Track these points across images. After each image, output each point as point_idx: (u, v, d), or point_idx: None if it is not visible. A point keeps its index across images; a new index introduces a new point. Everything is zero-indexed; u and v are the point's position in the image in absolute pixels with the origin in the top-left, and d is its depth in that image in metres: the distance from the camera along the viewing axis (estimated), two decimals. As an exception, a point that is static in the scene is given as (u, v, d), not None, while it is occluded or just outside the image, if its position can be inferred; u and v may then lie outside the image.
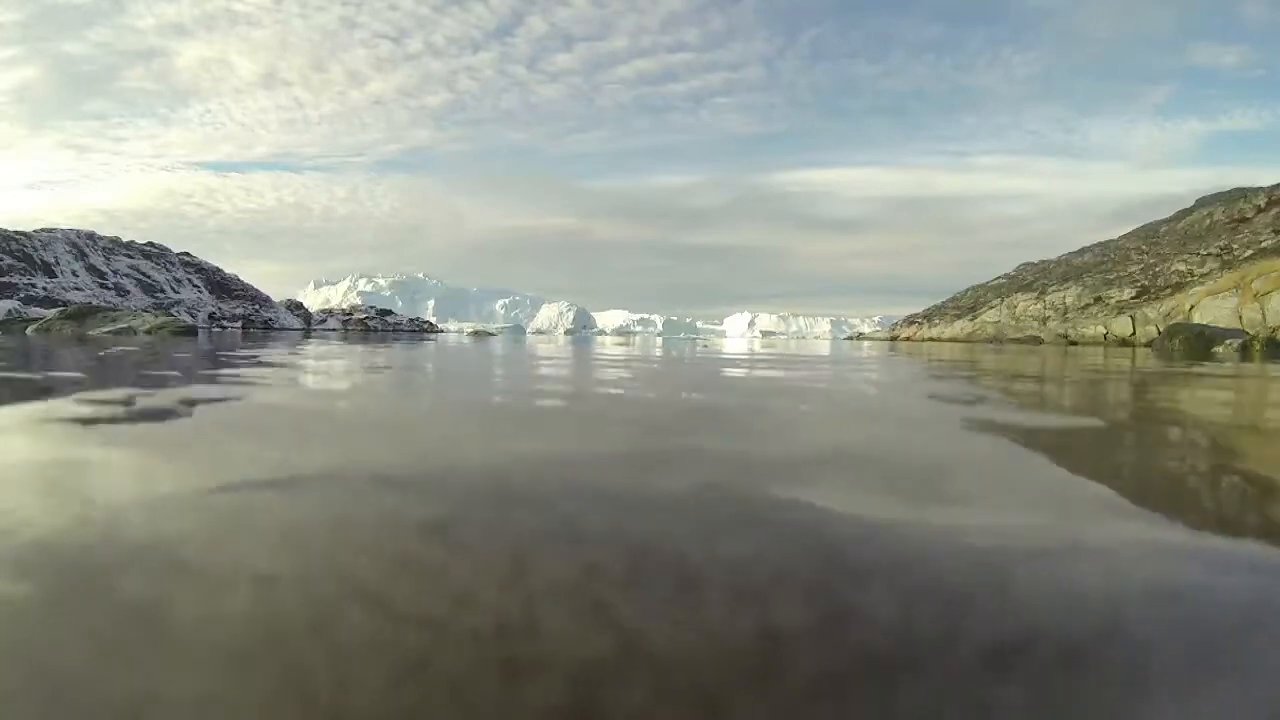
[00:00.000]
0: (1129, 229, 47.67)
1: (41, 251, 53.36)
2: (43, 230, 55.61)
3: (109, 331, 22.20)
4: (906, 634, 0.68)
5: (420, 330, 70.24)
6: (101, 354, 6.87)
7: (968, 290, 53.50)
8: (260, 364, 5.36)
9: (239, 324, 56.52)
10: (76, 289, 52.13)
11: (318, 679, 0.60)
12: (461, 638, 0.67)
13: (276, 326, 58.42)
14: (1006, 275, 52.01)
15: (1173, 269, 34.18)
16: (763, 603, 0.75)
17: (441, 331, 79.83)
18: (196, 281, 61.92)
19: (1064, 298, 38.27)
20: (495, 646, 0.65)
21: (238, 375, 4.20)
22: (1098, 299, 35.73)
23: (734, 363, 7.18)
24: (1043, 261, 50.98)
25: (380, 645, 0.66)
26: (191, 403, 2.59)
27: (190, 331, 23.80)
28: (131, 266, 58.05)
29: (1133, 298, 33.51)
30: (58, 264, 53.80)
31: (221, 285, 63.65)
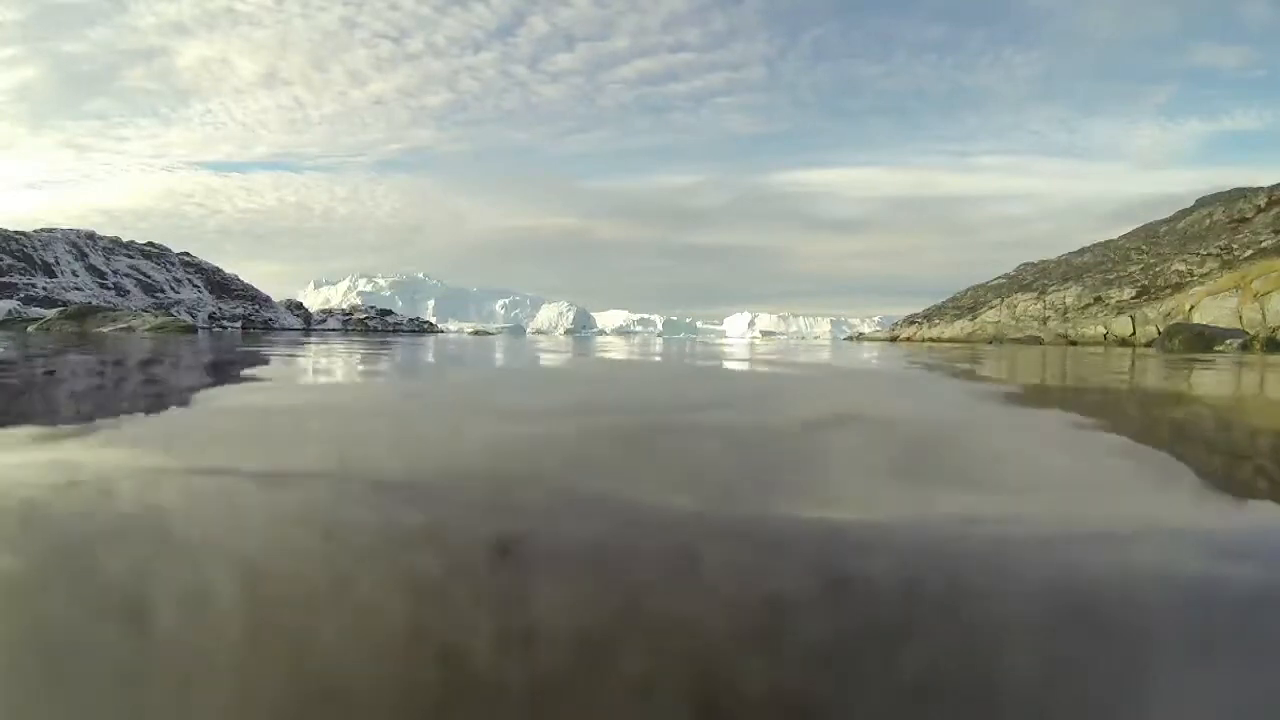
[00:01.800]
0: (1130, 229, 47.69)
1: (41, 251, 53.36)
2: (43, 230, 55.61)
3: (111, 330, 22.22)
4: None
5: (420, 330, 70.25)
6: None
7: (968, 290, 53.47)
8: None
9: (239, 324, 56.51)
10: (76, 289, 52.12)
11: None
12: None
13: (276, 326, 58.42)
14: (1006, 275, 51.98)
15: (1173, 269, 34.19)
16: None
17: (441, 331, 79.81)
18: (196, 281, 61.92)
19: (1064, 298, 38.28)
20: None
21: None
22: (1098, 299, 35.74)
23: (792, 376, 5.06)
24: (1043, 261, 50.97)
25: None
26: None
27: (190, 331, 23.81)
28: (131, 266, 58.05)
29: (1133, 298, 33.52)
30: (58, 264, 53.80)
31: (221, 285, 63.65)
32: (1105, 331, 30.30)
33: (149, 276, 58.23)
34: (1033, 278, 46.66)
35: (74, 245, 55.66)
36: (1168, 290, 31.70)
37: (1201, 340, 16.50)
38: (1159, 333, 23.95)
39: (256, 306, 62.62)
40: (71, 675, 0.57)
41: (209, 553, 0.84)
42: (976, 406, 3.01)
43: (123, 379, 3.85)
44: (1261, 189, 38.27)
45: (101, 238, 58.81)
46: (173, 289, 59.00)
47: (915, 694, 0.54)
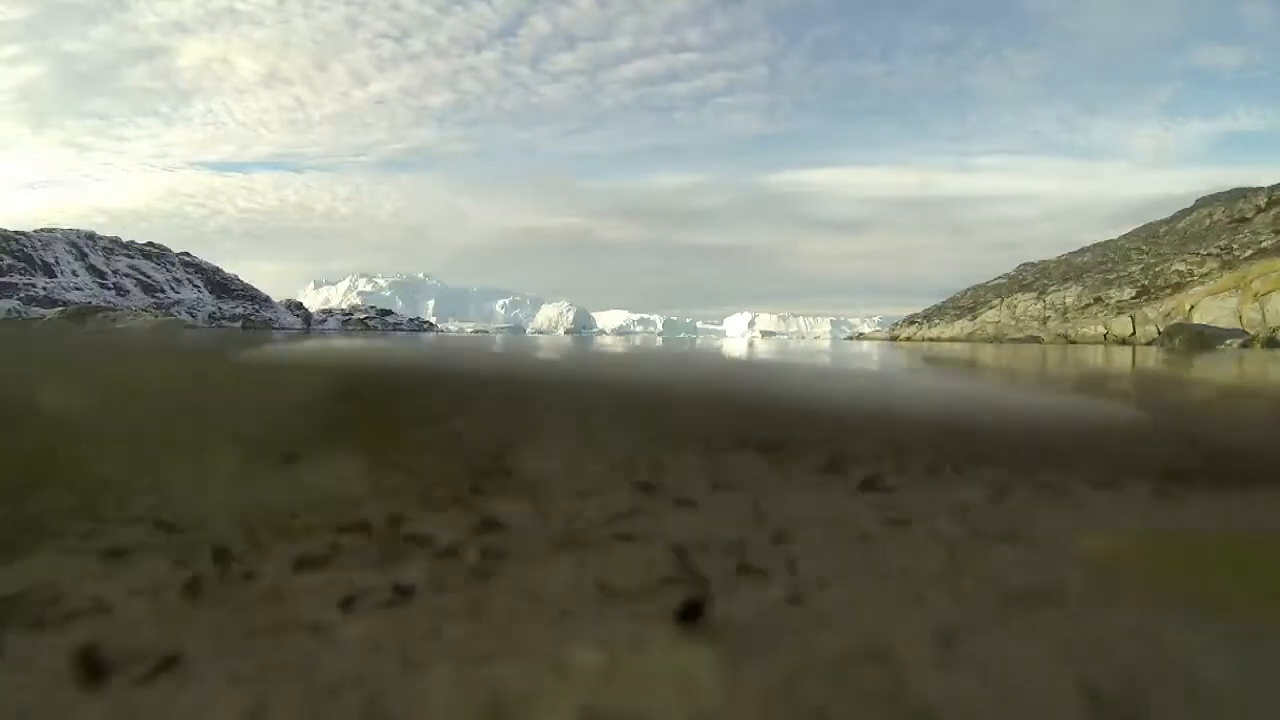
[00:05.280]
0: (1130, 229, 47.72)
1: (41, 251, 53.34)
2: (43, 230, 55.59)
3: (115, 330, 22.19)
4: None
5: (420, 330, 70.31)
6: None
7: (968, 290, 53.45)
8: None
9: (239, 324, 56.49)
10: (76, 289, 52.10)
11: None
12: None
13: (276, 326, 58.41)
14: (1006, 275, 51.98)
15: (1173, 269, 34.19)
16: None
17: (442, 331, 79.80)
18: (196, 281, 61.91)
19: (1064, 298, 38.28)
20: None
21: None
22: (1098, 299, 35.74)
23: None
24: (1043, 262, 50.96)
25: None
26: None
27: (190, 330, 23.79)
28: (131, 266, 58.03)
29: (1133, 298, 33.52)
30: (58, 264, 53.78)
31: (221, 285, 63.64)
32: (1105, 331, 30.29)
33: (149, 276, 58.21)
34: (1033, 278, 46.66)
35: (74, 245, 55.64)
36: (1168, 290, 31.70)
37: (1201, 340, 16.51)
38: (1159, 332, 23.97)
39: (256, 306, 62.60)
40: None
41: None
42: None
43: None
44: (1261, 189, 38.27)
45: (101, 238, 58.79)
46: (173, 289, 58.98)
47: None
